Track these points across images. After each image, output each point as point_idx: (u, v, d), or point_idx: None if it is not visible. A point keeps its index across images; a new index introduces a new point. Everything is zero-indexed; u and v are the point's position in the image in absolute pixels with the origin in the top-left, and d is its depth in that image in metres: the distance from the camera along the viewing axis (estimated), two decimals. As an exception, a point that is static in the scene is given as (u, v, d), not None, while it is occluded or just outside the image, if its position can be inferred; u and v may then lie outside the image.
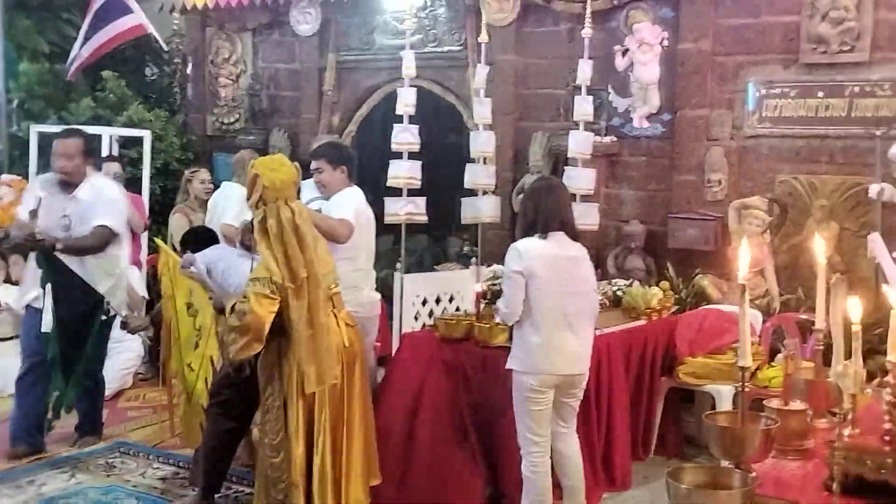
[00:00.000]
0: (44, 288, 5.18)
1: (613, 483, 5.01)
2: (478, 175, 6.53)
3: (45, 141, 7.85)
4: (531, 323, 4.12)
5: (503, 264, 5.35)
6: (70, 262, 5.17)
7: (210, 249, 4.82)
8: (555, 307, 4.14)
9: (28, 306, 5.36)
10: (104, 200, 5.30)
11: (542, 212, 4.21)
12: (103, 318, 5.36)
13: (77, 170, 5.25)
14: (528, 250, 4.13)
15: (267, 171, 4.02)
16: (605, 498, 4.89)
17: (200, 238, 5.08)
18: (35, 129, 7.73)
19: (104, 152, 7.70)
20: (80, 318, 5.25)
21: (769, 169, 6.42)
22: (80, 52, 8.06)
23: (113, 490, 4.87)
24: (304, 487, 3.99)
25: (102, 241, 5.27)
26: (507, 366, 4.17)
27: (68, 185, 5.25)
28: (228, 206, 6.41)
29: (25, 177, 7.13)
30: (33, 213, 5.14)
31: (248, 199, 4.10)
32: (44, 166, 7.75)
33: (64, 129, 5.57)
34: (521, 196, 4.38)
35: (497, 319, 4.34)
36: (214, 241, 5.08)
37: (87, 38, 7.86)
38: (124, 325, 5.41)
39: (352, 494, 4.12)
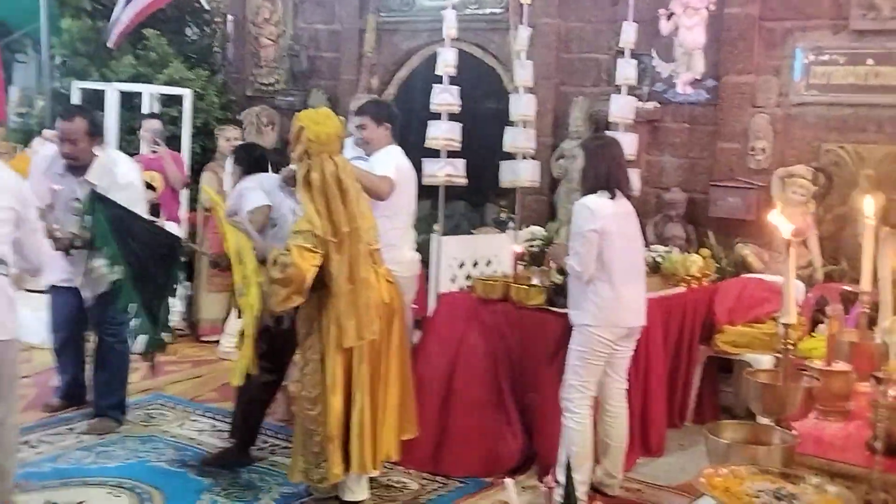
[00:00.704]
0: (96, 245, 4.78)
1: (648, 449, 5.00)
2: (517, 139, 6.48)
3: (88, 97, 7.95)
4: (604, 279, 4.15)
5: (540, 227, 5.36)
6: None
7: (267, 178, 4.79)
8: (624, 262, 4.22)
9: (52, 286, 5.14)
10: (119, 186, 4.88)
11: (611, 170, 4.24)
12: (181, 259, 5.06)
13: (83, 153, 4.83)
14: (599, 208, 4.15)
15: (312, 125, 4.02)
16: (639, 463, 4.88)
17: (253, 157, 5.03)
18: (77, 86, 7.79)
19: (145, 110, 7.76)
20: (157, 260, 4.88)
21: (815, 137, 6.31)
22: (121, 18, 8.06)
23: (151, 440, 4.94)
24: (340, 440, 4.02)
25: None
26: (578, 321, 4.19)
27: (77, 168, 4.88)
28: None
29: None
30: (49, 208, 4.76)
31: (292, 152, 4.10)
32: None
33: (64, 108, 5.15)
34: (564, 156, 4.30)
35: (571, 274, 4.26)
36: (264, 160, 5.04)
37: (128, 2, 7.84)
38: (215, 264, 5.18)
39: (384, 449, 4.14)
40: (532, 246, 5.24)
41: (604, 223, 4.13)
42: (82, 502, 4.11)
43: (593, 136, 6.01)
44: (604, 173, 4.21)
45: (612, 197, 4.20)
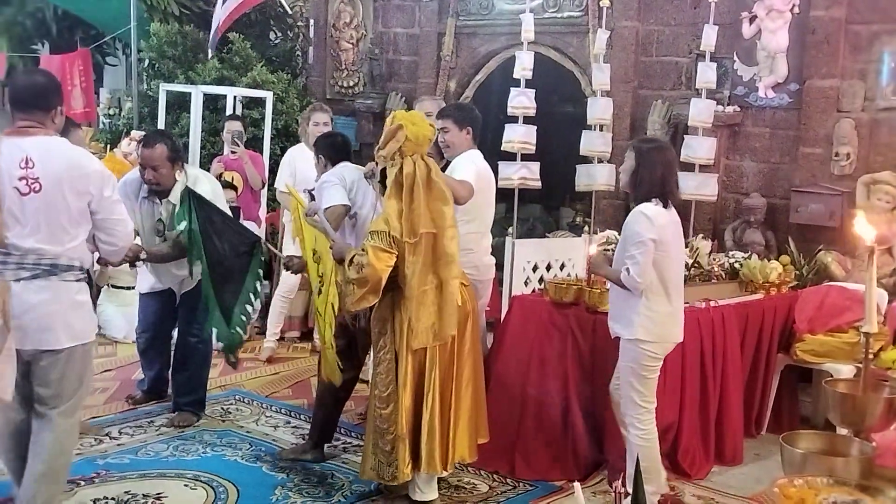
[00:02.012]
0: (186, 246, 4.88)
1: (723, 458, 4.92)
2: (594, 142, 6.45)
3: (173, 99, 8.16)
4: (659, 291, 4.05)
5: (616, 230, 5.29)
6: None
7: (350, 169, 4.76)
8: (676, 275, 4.14)
9: (150, 291, 5.28)
10: (209, 194, 4.96)
11: (665, 176, 4.11)
12: (261, 258, 5.07)
13: (166, 178, 4.90)
14: (656, 216, 4.01)
15: (410, 125, 4.06)
16: (714, 472, 4.80)
17: (337, 148, 4.98)
18: (164, 88, 8.00)
19: (228, 111, 7.93)
20: (237, 258, 4.92)
21: (902, 143, 6.13)
22: (216, 24, 8.24)
23: (227, 434, 5.04)
24: (410, 440, 4.05)
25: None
26: (629, 335, 4.06)
27: (159, 192, 4.96)
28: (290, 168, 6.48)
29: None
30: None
31: (379, 150, 4.12)
32: (171, 123, 8.05)
33: (146, 136, 5.18)
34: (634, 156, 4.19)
35: (627, 286, 4.15)
36: (348, 147, 5.01)
37: (223, 4, 8.02)
38: (287, 266, 5.28)
39: (458, 451, 4.15)
40: (607, 250, 5.18)
41: (661, 233, 4.01)
42: (160, 494, 4.21)
43: (645, 138, 5.90)
44: (658, 179, 4.08)
45: (666, 206, 4.08)
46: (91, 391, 3.81)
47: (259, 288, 5.04)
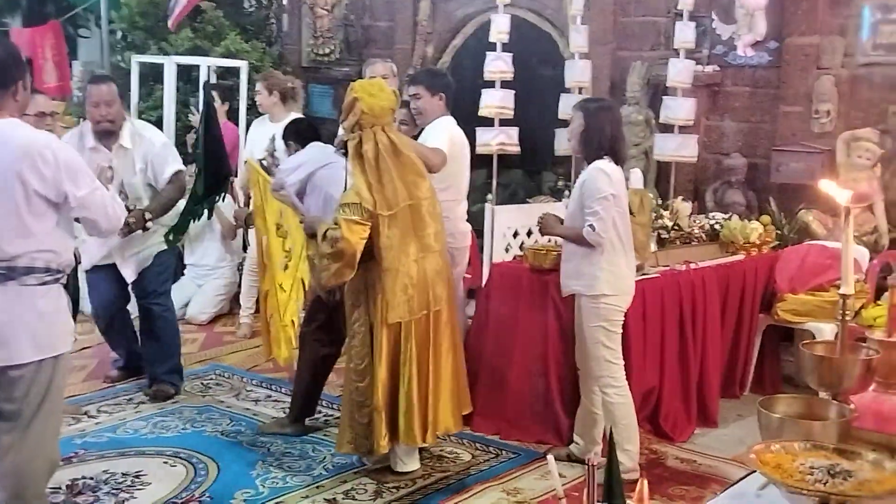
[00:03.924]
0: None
1: (706, 419, 4.92)
2: (572, 105, 6.37)
3: (146, 71, 8.02)
4: (618, 246, 4.07)
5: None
6: None
7: (313, 152, 4.68)
8: (627, 229, 4.15)
9: (94, 267, 5.15)
10: (155, 145, 5.05)
11: (615, 134, 4.13)
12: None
13: (118, 116, 4.95)
14: (613, 173, 4.05)
15: (366, 96, 3.97)
16: (696, 434, 4.80)
17: (302, 133, 4.93)
18: (136, 60, 7.85)
19: (201, 81, 7.79)
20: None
21: (882, 99, 6.07)
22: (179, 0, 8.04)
23: (207, 410, 5.00)
24: (387, 412, 4.02)
25: (184, 186, 5.18)
26: (594, 292, 4.05)
27: (109, 133, 4.94)
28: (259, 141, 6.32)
29: (128, 107, 7.16)
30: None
31: (342, 122, 4.06)
32: (144, 95, 7.92)
33: (95, 76, 5.27)
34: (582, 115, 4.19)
35: (591, 242, 4.11)
36: (315, 137, 4.92)
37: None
38: (236, 217, 5.30)
39: (441, 421, 4.13)
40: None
41: (619, 188, 4.05)
42: (139, 472, 4.17)
43: (590, 98, 5.84)
44: (607, 137, 4.08)
45: (616, 163, 4.09)
46: (61, 410, 3.31)
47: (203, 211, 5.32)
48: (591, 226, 3.98)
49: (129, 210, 4.66)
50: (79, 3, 9.87)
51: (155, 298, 5.17)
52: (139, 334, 5.34)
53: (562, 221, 4.26)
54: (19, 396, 3.06)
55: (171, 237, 5.15)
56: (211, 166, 5.18)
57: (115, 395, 5.18)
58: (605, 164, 4.04)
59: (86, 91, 5.13)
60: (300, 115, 6.29)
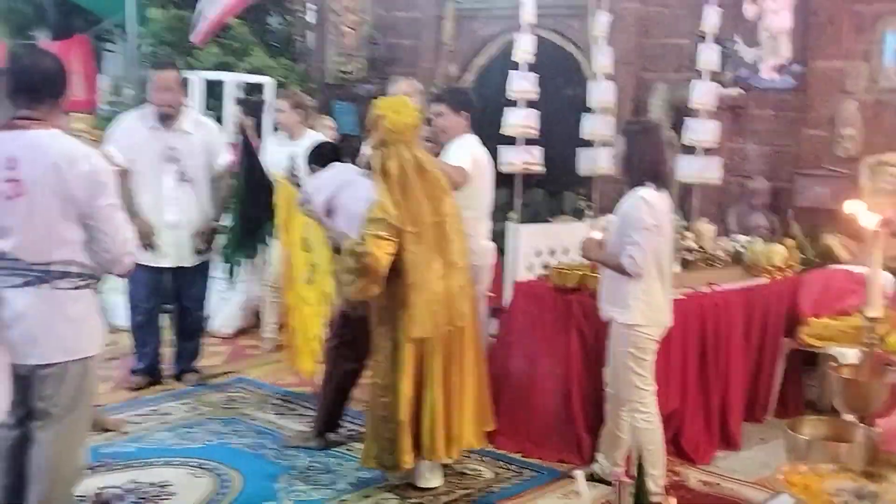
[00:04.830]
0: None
1: (728, 443, 4.92)
2: (596, 126, 6.42)
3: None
4: (654, 276, 4.05)
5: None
6: None
7: (334, 173, 4.71)
8: (668, 260, 4.15)
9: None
10: (218, 132, 5.63)
11: (658, 158, 4.12)
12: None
13: (178, 101, 5.35)
14: (656, 202, 4.00)
15: (391, 114, 4.02)
16: (718, 457, 4.80)
17: (325, 155, 4.99)
18: (164, 75, 7.93)
19: (227, 97, 7.88)
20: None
21: (906, 124, 6.10)
22: (206, 14, 8.11)
23: (232, 422, 5.04)
24: (412, 428, 4.04)
25: (230, 182, 5.62)
26: (626, 320, 4.04)
27: (169, 117, 5.32)
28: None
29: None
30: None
31: (368, 139, 4.11)
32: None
33: (158, 62, 5.62)
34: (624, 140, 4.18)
35: (629, 271, 4.11)
36: (337, 158, 4.96)
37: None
38: None
39: (464, 437, 4.16)
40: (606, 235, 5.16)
41: (660, 218, 4.01)
42: (166, 482, 4.21)
43: (634, 120, 5.86)
44: (650, 161, 4.06)
45: (660, 189, 4.06)
46: (90, 415, 3.43)
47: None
48: (630, 256, 3.97)
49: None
50: (106, 17, 9.99)
51: (197, 300, 5.65)
52: (175, 334, 5.70)
53: (603, 246, 4.26)
54: (48, 395, 3.18)
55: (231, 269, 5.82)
56: (256, 200, 5.51)
57: (141, 406, 5.23)
58: (647, 193, 4.01)
59: (150, 76, 5.51)
60: (318, 134, 6.38)
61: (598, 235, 4.72)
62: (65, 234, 3.11)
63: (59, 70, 3.24)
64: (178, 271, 5.51)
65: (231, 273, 5.92)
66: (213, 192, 5.57)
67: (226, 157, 5.58)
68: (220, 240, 5.77)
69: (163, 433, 4.84)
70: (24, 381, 3.16)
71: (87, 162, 3.14)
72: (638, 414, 4.10)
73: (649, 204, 3.98)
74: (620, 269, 4.02)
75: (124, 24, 8.89)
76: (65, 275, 3.13)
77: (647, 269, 3.99)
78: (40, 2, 10.31)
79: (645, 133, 4.19)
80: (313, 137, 6.12)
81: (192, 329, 5.69)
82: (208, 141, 5.48)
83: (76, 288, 3.17)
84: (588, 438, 4.57)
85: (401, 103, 4.21)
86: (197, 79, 7.65)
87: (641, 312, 4.03)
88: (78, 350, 3.20)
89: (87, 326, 3.24)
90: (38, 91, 3.14)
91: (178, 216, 5.41)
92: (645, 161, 4.07)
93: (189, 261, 5.51)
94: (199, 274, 5.61)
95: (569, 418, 4.65)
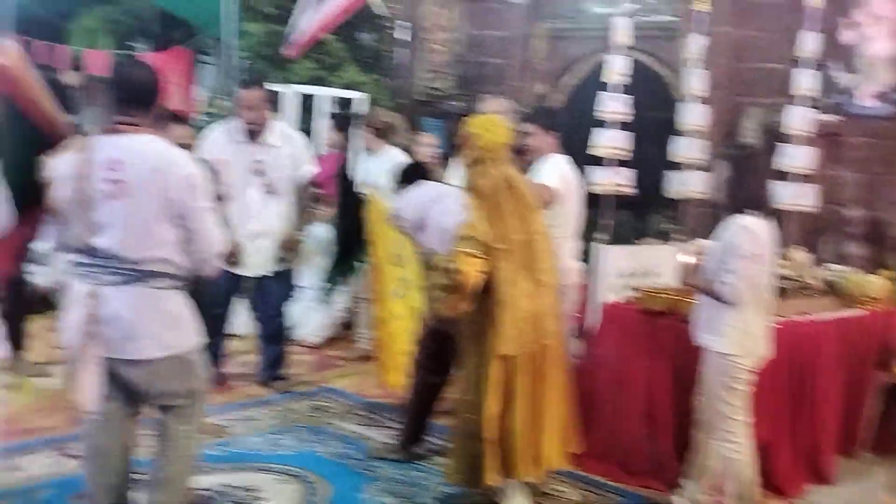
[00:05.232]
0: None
1: (818, 476, 4.81)
2: (687, 149, 6.38)
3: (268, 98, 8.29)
4: (752, 305, 4.00)
5: (705, 239, 5.23)
6: None
7: (423, 190, 4.76)
8: (768, 289, 4.08)
9: None
10: (299, 144, 5.73)
11: (761, 185, 4.08)
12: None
13: (263, 118, 5.48)
14: (758, 231, 3.97)
15: (483, 132, 4.07)
16: (807, 490, 4.71)
17: (412, 174, 5.04)
18: (259, 88, 8.13)
19: (320, 111, 8.05)
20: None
21: None
22: (301, 27, 8.26)
23: (320, 431, 5.12)
24: (497, 446, 4.05)
25: (314, 192, 5.87)
26: (720, 348, 4.00)
27: (256, 133, 5.49)
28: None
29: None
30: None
31: (460, 157, 4.15)
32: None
33: (245, 80, 5.75)
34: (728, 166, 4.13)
35: (726, 299, 4.01)
36: (424, 176, 5.02)
37: (316, 5, 8.02)
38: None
39: (549, 457, 4.15)
40: (701, 259, 5.11)
41: (762, 247, 3.97)
42: (255, 487, 4.31)
43: (738, 145, 5.79)
44: (754, 189, 4.03)
45: (763, 216, 4.01)
46: (202, 410, 3.59)
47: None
48: (728, 283, 3.93)
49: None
50: (205, 30, 10.28)
51: (281, 308, 5.80)
52: (261, 338, 5.88)
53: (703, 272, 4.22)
54: (155, 394, 3.37)
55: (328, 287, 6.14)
56: (351, 217, 5.71)
57: (231, 410, 5.35)
58: (750, 222, 3.97)
59: (236, 94, 5.69)
60: (398, 150, 6.56)
61: (688, 260, 4.69)
62: (161, 235, 3.24)
63: (154, 80, 3.40)
64: (259, 279, 5.66)
65: (329, 291, 6.10)
66: (297, 202, 5.71)
67: (310, 169, 5.74)
68: (303, 249, 5.92)
69: (252, 438, 4.94)
70: (120, 376, 3.31)
71: (185, 166, 3.31)
72: (728, 444, 4.05)
73: (751, 232, 3.95)
74: (717, 296, 3.99)
75: (222, 37, 9.14)
76: (159, 274, 3.27)
77: (744, 297, 3.95)
78: (142, 14, 10.64)
79: (749, 159, 4.16)
80: (392, 154, 6.37)
81: (274, 335, 5.83)
82: (293, 153, 5.64)
83: (170, 287, 3.31)
84: (674, 465, 4.52)
85: (493, 122, 4.25)
86: (291, 92, 7.82)
87: (737, 342, 3.98)
88: (174, 346, 3.33)
89: (182, 322, 3.38)
90: (136, 99, 3.31)
91: (262, 227, 5.55)
92: (748, 188, 4.03)
93: (270, 269, 5.64)
94: (280, 282, 5.75)
95: (655, 443, 4.61)
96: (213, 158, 5.40)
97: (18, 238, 3.49)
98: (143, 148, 3.25)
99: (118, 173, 3.20)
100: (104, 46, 10.31)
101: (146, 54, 10.31)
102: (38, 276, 5.96)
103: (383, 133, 6.70)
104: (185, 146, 4.11)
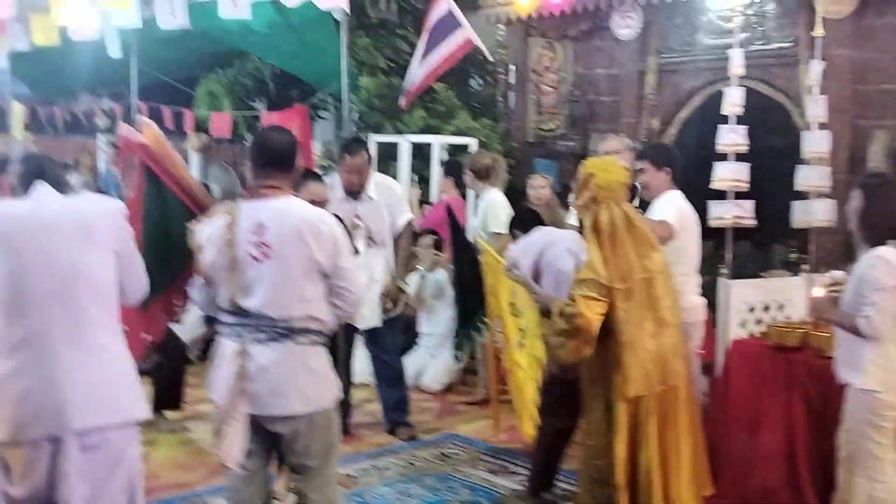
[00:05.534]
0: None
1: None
2: (810, 177, 6.18)
3: (383, 149, 8.50)
4: (893, 340, 3.84)
5: (835, 269, 5.05)
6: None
7: (538, 235, 4.80)
8: None
9: None
10: (397, 193, 5.86)
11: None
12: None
13: (364, 181, 5.57)
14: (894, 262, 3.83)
15: (601, 172, 4.06)
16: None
17: (526, 221, 5.13)
18: (374, 139, 8.35)
19: (433, 159, 8.19)
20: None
21: None
22: (413, 79, 8.44)
23: (447, 479, 5.15)
24: (629, 491, 3.97)
25: (411, 237, 5.97)
26: (862, 385, 3.86)
27: (355, 192, 5.61)
28: (496, 213, 6.63)
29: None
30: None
31: (577, 200, 4.14)
32: (380, 171, 8.36)
33: (347, 144, 5.71)
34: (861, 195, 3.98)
35: (864, 333, 3.85)
36: (539, 222, 5.09)
37: (422, 58, 8.20)
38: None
39: (682, 501, 4.05)
40: (834, 291, 4.95)
41: None
42: (386, 537, 4.35)
43: (873, 173, 5.57)
44: (890, 218, 3.87)
45: None
46: (336, 464, 3.65)
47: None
48: (866, 317, 3.79)
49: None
50: (320, 87, 10.62)
51: (395, 352, 5.95)
52: (380, 384, 5.96)
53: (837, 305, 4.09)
54: (299, 450, 3.41)
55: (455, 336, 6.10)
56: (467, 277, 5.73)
57: (361, 460, 5.42)
58: (888, 252, 3.83)
59: (341, 157, 5.76)
60: (497, 191, 6.73)
61: (820, 293, 4.54)
62: (307, 293, 3.35)
63: (294, 143, 3.55)
64: (370, 330, 5.77)
65: (456, 339, 6.15)
66: (397, 252, 5.81)
67: (407, 216, 5.83)
68: (411, 298, 6.05)
69: (381, 488, 5.00)
70: (265, 432, 3.40)
71: (327, 226, 3.42)
72: (876, 483, 3.88)
73: (888, 263, 3.81)
74: (855, 331, 3.85)
75: (336, 92, 9.43)
76: (305, 331, 3.35)
77: (884, 331, 3.80)
78: (260, 75, 11.08)
79: (882, 187, 4.01)
80: (492, 196, 6.67)
81: (394, 380, 5.90)
82: (391, 204, 5.75)
83: (313, 344, 3.40)
84: (813, 505, 4.36)
85: (609, 162, 4.26)
86: (405, 142, 7.98)
87: (879, 378, 3.83)
88: (319, 401, 3.42)
89: (324, 378, 3.46)
90: (278, 163, 3.43)
91: (367, 279, 5.60)
92: (886, 218, 3.89)
93: (378, 322, 5.74)
94: (391, 329, 5.86)
95: (795, 484, 4.46)
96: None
97: (167, 303, 3.68)
98: (285, 211, 3.37)
99: (263, 237, 3.32)
100: (226, 108, 10.79)
101: (266, 113, 10.74)
102: (179, 334, 6.21)
103: (483, 175, 6.81)
104: (320, 203, 4.24)
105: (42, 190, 3.18)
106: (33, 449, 3.00)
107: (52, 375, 3.01)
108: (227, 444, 3.32)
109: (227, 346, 3.38)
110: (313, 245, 3.33)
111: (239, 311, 3.35)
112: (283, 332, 3.33)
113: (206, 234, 3.48)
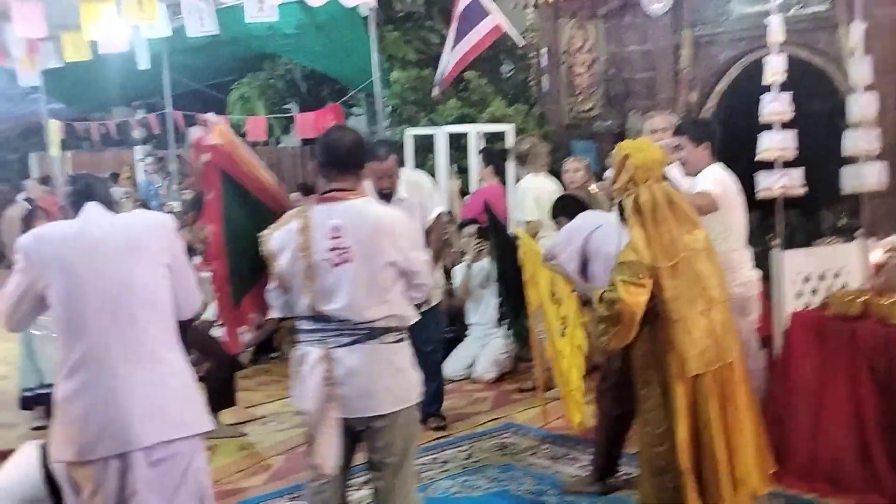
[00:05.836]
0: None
1: None
2: (859, 141, 6.03)
3: (419, 141, 8.47)
4: None
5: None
6: None
7: (581, 221, 4.73)
8: None
9: None
10: (427, 189, 5.71)
11: None
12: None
13: (394, 184, 5.40)
14: None
15: (637, 153, 3.98)
16: None
17: (568, 206, 5.07)
18: (409, 133, 8.33)
19: (470, 148, 8.14)
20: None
21: None
22: (444, 69, 8.39)
23: (509, 468, 5.10)
24: (694, 474, 3.87)
25: (444, 230, 5.95)
26: None
27: (386, 195, 5.40)
28: (523, 200, 6.59)
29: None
30: None
31: (614, 183, 4.07)
32: (419, 164, 8.36)
33: (378, 151, 5.51)
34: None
35: None
36: (583, 207, 5.02)
37: (452, 48, 8.16)
38: None
39: (749, 480, 3.96)
40: (893, 256, 4.84)
41: None
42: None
43: None
44: None
45: None
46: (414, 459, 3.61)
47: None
48: None
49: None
50: (352, 84, 10.63)
51: (436, 343, 5.82)
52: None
53: None
54: (382, 446, 3.39)
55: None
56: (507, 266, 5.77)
57: (420, 454, 5.38)
58: None
59: (370, 162, 5.46)
60: (534, 176, 6.70)
61: (882, 259, 4.43)
62: (387, 292, 3.34)
63: (361, 143, 3.50)
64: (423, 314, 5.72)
65: (505, 327, 6.23)
66: (428, 244, 5.63)
67: (438, 209, 5.73)
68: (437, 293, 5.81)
69: (444, 481, 4.97)
70: (353, 435, 3.39)
71: (401, 224, 3.43)
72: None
73: None
74: None
75: (368, 88, 9.43)
76: (387, 330, 3.35)
77: None
78: (291, 77, 11.12)
79: None
80: (525, 181, 6.69)
81: (430, 372, 5.59)
82: (422, 201, 5.60)
83: (396, 342, 3.40)
84: (891, 476, 4.26)
85: (644, 142, 4.20)
86: (441, 133, 7.94)
87: None
88: (406, 398, 3.41)
89: (409, 375, 3.45)
90: (347, 164, 3.39)
91: None
92: None
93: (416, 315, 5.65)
94: (429, 321, 5.53)
95: (866, 455, 4.36)
96: None
97: (257, 300, 3.65)
98: (359, 212, 3.34)
99: (340, 240, 3.29)
100: (261, 111, 10.84)
101: (299, 114, 10.77)
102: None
103: (524, 160, 6.75)
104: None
105: (91, 209, 3.19)
106: (101, 467, 3.01)
107: (114, 393, 3.02)
108: (323, 451, 3.29)
109: (309, 353, 3.34)
110: (390, 245, 3.33)
111: (320, 317, 3.32)
112: (365, 333, 3.31)
113: (277, 240, 3.40)
